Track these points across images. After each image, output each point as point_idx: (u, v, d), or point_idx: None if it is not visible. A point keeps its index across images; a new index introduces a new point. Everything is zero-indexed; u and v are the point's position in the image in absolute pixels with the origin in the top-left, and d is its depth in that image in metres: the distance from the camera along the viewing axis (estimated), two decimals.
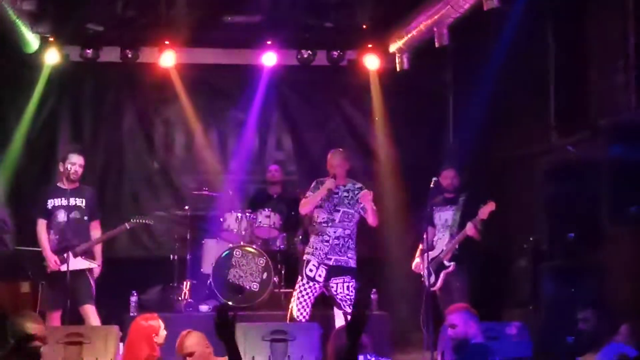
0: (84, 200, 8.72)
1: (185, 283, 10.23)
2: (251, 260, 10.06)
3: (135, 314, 9.58)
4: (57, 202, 8.66)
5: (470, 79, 10.32)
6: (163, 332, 6.22)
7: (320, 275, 8.52)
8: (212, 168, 11.56)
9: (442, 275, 8.84)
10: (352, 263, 8.64)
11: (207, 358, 6.29)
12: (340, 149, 9.01)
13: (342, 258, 8.58)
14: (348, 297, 8.52)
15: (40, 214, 8.68)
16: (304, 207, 8.69)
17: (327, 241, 8.58)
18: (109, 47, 11.03)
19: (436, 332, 8.34)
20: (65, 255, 8.47)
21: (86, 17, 10.45)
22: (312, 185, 8.74)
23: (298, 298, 8.55)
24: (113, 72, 11.32)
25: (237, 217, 10.42)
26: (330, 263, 8.54)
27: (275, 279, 10.18)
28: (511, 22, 9.17)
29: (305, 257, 8.69)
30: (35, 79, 10.74)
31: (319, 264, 8.53)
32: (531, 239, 8.92)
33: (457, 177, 9.06)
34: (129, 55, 11.03)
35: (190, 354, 6.21)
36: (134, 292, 9.74)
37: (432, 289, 8.87)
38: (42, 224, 8.65)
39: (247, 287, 10.00)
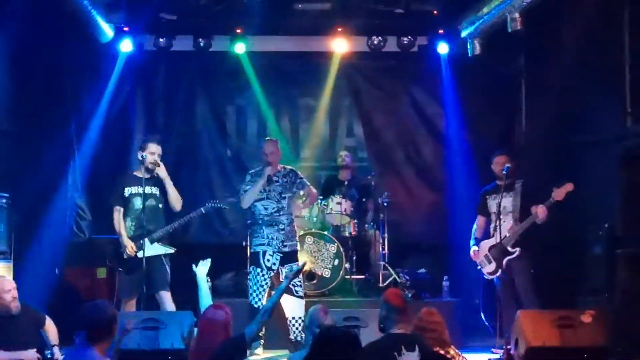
0: (158, 189, 8.85)
1: None
2: (322, 247, 10.13)
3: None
4: (134, 190, 8.79)
5: (543, 63, 10.20)
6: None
7: (274, 264, 8.88)
8: (284, 155, 11.61)
9: (505, 261, 8.76)
10: (298, 247, 9.13)
11: None
12: (273, 138, 9.36)
13: (292, 242, 9.00)
14: (299, 281, 8.89)
15: (116, 202, 8.82)
16: (245, 201, 8.96)
17: (283, 230, 8.92)
18: (182, 36, 11.16)
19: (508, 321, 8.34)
20: (141, 241, 8.60)
21: (159, 7, 10.57)
22: (247, 179, 9.05)
23: (254, 288, 8.86)
24: (186, 61, 11.46)
25: None
26: (286, 250, 8.91)
27: (346, 265, 10.22)
28: (585, 5, 9.03)
29: (258, 248, 8.94)
30: (110, 68, 10.91)
31: (274, 253, 8.86)
32: (606, 225, 8.78)
33: (509, 162, 8.93)
34: (202, 44, 11.14)
35: None
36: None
37: (493, 276, 8.84)
38: (118, 212, 8.80)
39: (319, 273, 10.07)
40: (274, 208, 8.89)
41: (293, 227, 9.08)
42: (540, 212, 8.53)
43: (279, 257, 8.87)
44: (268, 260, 8.85)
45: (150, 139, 8.99)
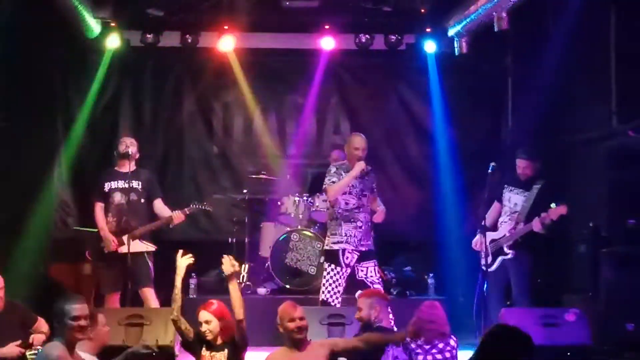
0: (140, 183, 8.84)
1: (243, 266, 10.34)
2: (308, 244, 10.14)
3: (194, 296, 9.74)
4: (114, 184, 8.80)
5: (530, 63, 10.23)
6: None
7: (351, 261, 8.67)
8: (271, 152, 11.62)
9: (499, 260, 8.76)
10: (372, 245, 8.86)
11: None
12: (360, 133, 9.08)
13: (369, 242, 8.78)
14: (379, 279, 8.73)
15: (97, 197, 8.83)
16: (334, 192, 8.67)
17: (360, 227, 8.69)
18: (169, 32, 11.12)
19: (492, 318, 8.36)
20: (123, 237, 8.59)
21: (147, 2, 10.55)
22: (333, 171, 8.76)
23: (332, 286, 8.59)
24: (173, 57, 11.42)
25: (295, 201, 10.51)
26: (363, 249, 8.69)
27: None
28: (571, 5, 9.06)
29: (336, 246, 8.68)
30: (96, 64, 10.87)
31: (353, 251, 8.65)
32: (591, 224, 8.81)
33: (529, 167, 8.86)
34: (189, 40, 11.10)
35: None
36: (193, 274, 9.87)
37: (488, 269, 8.81)
38: (99, 207, 8.80)
39: (305, 270, 10.10)
40: (354, 204, 8.69)
41: (370, 227, 8.87)
42: (534, 226, 8.50)
43: (356, 256, 8.67)
44: (347, 258, 8.63)
45: (124, 133, 9.08)
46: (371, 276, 8.65)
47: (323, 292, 8.58)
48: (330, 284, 8.60)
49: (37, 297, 8.83)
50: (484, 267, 8.74)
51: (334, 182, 8.68)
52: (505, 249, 8.70)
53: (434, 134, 11.49)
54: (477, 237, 8.95)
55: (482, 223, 8.82)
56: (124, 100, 11.45)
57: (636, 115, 8.46)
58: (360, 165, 8.58)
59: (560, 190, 8.76)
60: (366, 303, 6.70)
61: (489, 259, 8.71)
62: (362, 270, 8.68)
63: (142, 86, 11.54)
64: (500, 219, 8.92)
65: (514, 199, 8.85)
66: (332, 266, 8.65)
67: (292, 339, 6.11)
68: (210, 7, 10.54)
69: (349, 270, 8.67)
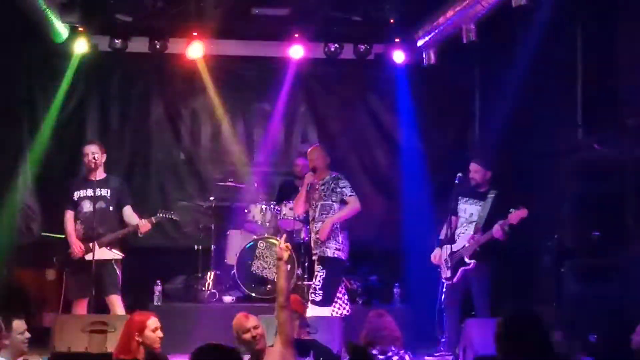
0: (109, 191, 8.82)
1: (209, 273, 10.32)
2: (275, 252, 10.11)
3: (159, 303, 9.70)
4: (83, 193, 8.79)
5: (497, 74, 10.30)
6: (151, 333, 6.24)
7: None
8: (238, 159, 11.59)
9: (460, 271, 8.81)
10: (329, 252, 8.91)
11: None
12: (317, 145, 9.41)
13: (320, 249, 8.93)
14: (315, 286, 8.86)
15: (67, 206, 8.84)
16: (295, 208, 9.25)
17: (315, 236, 8.98)
18: (138, 38, 11.02)
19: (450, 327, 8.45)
20: (90, 244, 8.55)
21: (115, 8, 10.48)
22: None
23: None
24: (141, 63, 11.34)
25: (262, 208, 10.50)
26: (315, 258, 8.99)
27: (298, 271, 10.23)
28: (539, 19, 9.13)
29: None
30: (64, 69, 10.78)
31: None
32: (555, 236, 8.87)
33: (479, 172, 8.94)
34: (158, 46, 11.01)
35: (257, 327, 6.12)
36: (158, 281, 9.83)
37: (448, 282, 8.90)
38: (69, 215, 8.80)
39: (270, 278, 10.07)
40: (311, 215, 8.98)
41: (323, 234, 8.93)
42: (494, 232, 8.56)
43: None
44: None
45: (89, 141, 9.16)
46: (313, 282, 8.94)
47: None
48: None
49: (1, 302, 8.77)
50: (444, 280, 8.86)
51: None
52: (466, 260, 8.75)
53: (402, 144, 11.54)
54: (436, 250, 9.05)
55: (440, 237, 8.96)
56: (91, 106, 11.36)
57: (602, 128, 8.55)
58: (307, 177, 9.00)
59: (515, 198, 8.82)
60: None
61: (449, 272, 8.81)
62: None
63: (109, 92, 11.47)
64: (457, 231, 9.00)
65: (470, 210, 8.92)
66: None
67: (252, 349, 6.07)
68: (179, 13, 10.48)
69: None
